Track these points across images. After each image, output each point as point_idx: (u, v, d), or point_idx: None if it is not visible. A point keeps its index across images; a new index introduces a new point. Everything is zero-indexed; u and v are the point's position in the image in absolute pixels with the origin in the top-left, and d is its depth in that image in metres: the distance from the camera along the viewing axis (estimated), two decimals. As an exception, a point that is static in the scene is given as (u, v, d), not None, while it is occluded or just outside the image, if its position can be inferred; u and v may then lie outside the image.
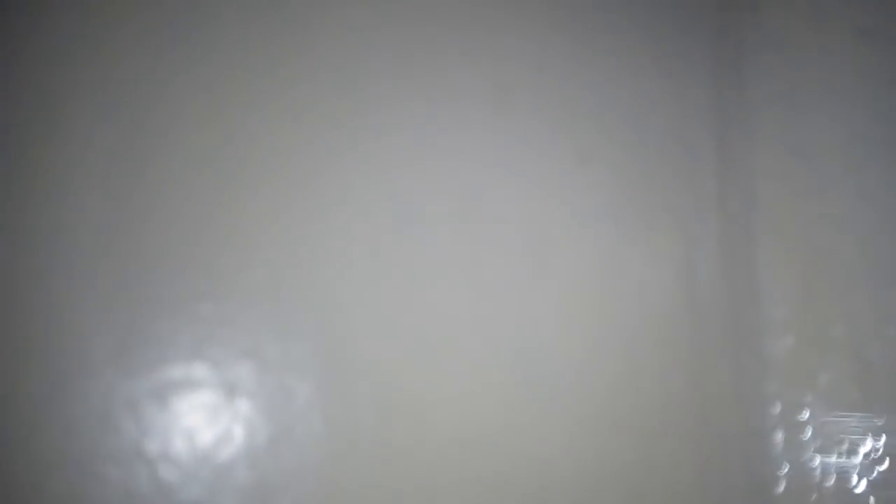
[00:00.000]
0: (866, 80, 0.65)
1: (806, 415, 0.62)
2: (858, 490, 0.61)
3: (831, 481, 0.61)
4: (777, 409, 0.63)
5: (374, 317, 0.58)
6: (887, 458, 0.61)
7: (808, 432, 0.62)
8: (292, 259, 0.58)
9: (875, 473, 0.61)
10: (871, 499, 0.61)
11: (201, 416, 0.54)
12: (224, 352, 0.55)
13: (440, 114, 0.61)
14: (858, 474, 0.61)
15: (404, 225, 0.60)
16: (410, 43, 0.61)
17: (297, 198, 0.58)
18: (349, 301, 0.58)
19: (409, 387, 0.58)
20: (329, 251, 0.59)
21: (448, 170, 0.61)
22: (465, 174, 0.61)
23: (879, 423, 0.61)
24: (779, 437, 0.62)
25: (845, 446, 0.61)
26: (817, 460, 0.62)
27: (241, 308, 0.55)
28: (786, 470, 0.62)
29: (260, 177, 0.58)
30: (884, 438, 0.61)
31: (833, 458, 0.61)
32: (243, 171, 0.57)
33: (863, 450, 0.61)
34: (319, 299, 0.57)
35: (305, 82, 0.60)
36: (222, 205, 0.57)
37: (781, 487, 0.62)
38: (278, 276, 0.56)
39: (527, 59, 0.63)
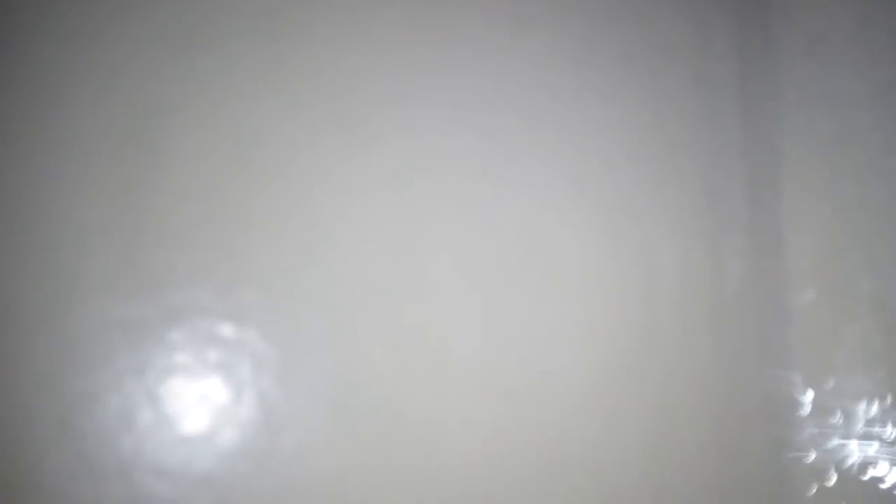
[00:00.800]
0: (894, 28, 0.63)
1: (829, 368, 0.60)
2: (883, 437, 0.59)
3: (854, 433, 0.59)
4: (799, 361, 0.60)
5: (385, 271, 0.56)
6: (913, 415, 0.59)
7: (831, 384, 0.60)
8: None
9: (900, 430, 0.59)
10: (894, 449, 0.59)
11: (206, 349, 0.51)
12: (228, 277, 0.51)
13: (455, 50, 0.59)
14: (881, 422, 0.59)
15: (419, 174, 0.57)
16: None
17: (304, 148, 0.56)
18: (360, 254, 0.56)
19: (426, 328, 0.55)
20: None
21: (464, 105, 0.58)
22: (482, 108, 0.58)
23: (905, 379, 0.59)
24: (801, 390, 0.60)
25: (869, 398, 0.59)
26: (839, 412, 0.59)
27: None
28: (807, 417, 0.59)
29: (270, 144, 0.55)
30: None
31: (858, 409, 0.59)
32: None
33: (888, 399, 0.59)
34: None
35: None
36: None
37: (803, 437, 0.59)
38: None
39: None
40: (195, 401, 0.51)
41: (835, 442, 0.59)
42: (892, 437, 0.58)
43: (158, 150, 0.52)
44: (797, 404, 0.60)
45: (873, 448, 0.59)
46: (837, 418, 0.59)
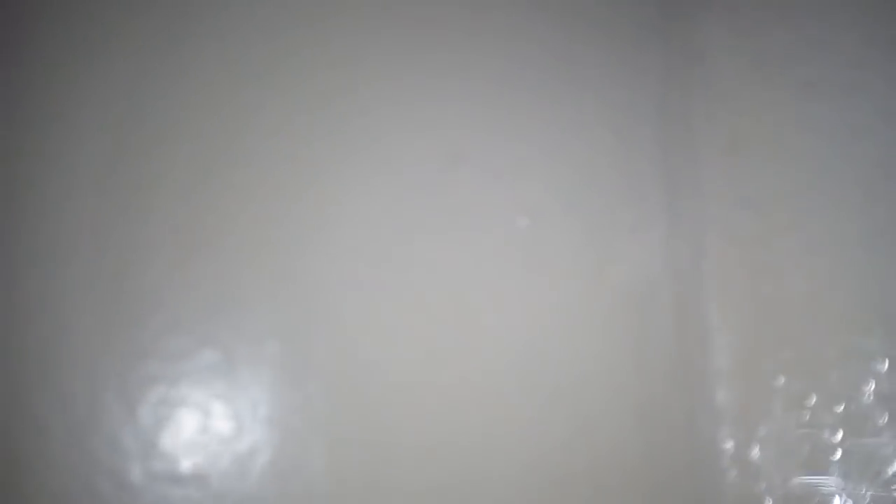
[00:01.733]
0: (812, 132, 0.66)
1: (755, 462, 0.63)
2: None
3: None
4: (726, 456, 0.64)
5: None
6: (833, 506, 0.63)
7: (760, 482, 0.63)
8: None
9: (822, 521, 0.62)
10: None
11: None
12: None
13: (388, 183, 0.62)
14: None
15: (351, 280, 0.61)
16: (358, 111, 0.62)
17: (243, 225, 0.59)
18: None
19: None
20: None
21: (396, 238, 0.61)
22: (414, 239, 0.62)
23: (827, 473, 0.63)
24: (729, 485, 0.64)
25: (797, 494, 0.63)
26: (764, 509, 0.63)
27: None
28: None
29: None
30: (832, 485, 0.63)
31: (780, 506, 0.63)
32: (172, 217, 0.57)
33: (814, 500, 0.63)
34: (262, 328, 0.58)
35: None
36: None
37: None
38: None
39: (475, 125, 0.63)
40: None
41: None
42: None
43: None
44: (727, 500, 0.64)
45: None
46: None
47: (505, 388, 0.62)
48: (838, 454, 0.63)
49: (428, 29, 0.63)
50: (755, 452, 0.64)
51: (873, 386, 0.63)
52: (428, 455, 0.61)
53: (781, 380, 0.64)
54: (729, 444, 0.64)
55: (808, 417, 0.63)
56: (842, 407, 0.63)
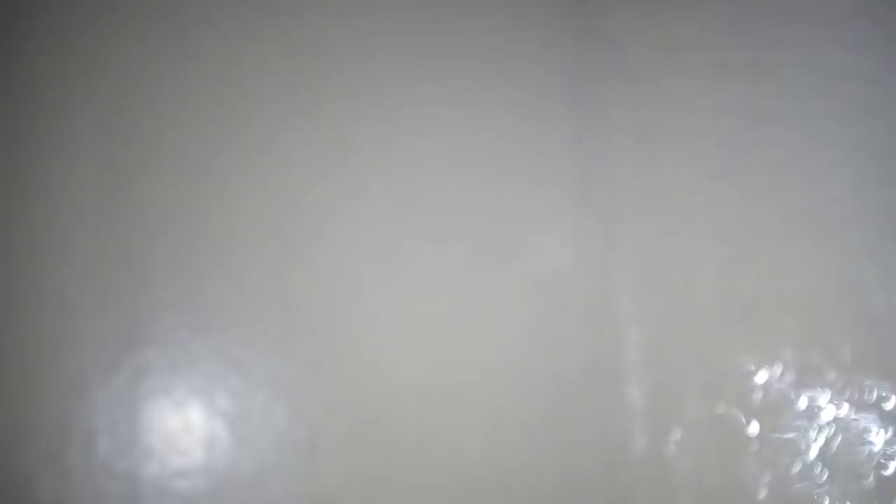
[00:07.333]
0: (724, 114, 0.64)
1: (670, 456, 0.62)
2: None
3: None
4: (640, 451, 0.63)
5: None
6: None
7: (675, 477, 0.62)
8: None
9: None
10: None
11: None
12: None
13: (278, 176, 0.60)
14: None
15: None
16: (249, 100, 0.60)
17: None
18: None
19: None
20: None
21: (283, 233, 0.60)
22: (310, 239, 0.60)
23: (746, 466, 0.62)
24: (643, 480, 0.62)
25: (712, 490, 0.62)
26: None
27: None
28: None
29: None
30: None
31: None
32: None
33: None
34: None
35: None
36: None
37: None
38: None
39: (373, 111, 0.61)
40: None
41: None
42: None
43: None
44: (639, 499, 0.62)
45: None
46: None
47: (415, 391, 0.61)
48: (755, 446, 0.62)
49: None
50: (670, 447, 0.62)
51: (785, 373, 0.62)
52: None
53: (695, 371, 0.63)
54: (643, 439, 0.63)
55: (723, 409, 0.62)
56: (757, 396, 0.62)
